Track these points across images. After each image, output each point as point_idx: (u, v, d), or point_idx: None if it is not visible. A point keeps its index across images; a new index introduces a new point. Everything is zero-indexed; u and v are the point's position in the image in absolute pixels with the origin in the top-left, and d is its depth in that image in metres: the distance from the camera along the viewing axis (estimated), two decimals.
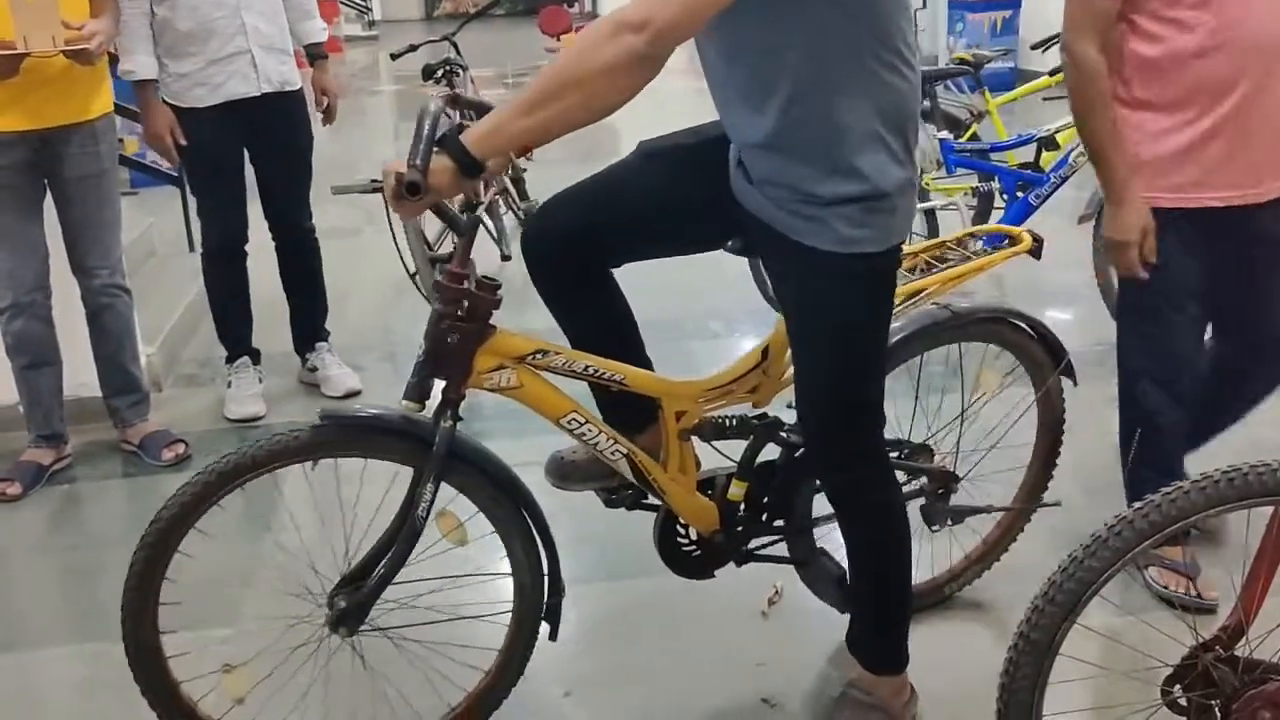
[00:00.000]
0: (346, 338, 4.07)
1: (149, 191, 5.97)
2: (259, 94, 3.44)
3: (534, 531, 2.01)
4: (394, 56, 4.99)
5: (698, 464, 2.14)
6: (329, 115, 3.81)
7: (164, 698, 1.93)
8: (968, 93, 4.94)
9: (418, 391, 1.83)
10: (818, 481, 2.14)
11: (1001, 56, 5.71)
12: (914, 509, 2.25)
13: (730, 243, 1.93)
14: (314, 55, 3.72)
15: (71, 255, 3.22)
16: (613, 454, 2.01)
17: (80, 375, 3.42)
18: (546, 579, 2.04)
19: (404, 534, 1.87)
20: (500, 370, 1.89)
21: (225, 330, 3.78)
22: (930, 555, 2.42)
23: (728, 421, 2.10)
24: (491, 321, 1.85)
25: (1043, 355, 2.37)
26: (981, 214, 4.46)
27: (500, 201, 5.36)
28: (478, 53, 5.52)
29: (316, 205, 3.78)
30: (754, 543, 2.21)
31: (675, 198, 1.92)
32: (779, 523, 2.21)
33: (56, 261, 3.21)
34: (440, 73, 4.88)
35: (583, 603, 2.44)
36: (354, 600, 1.89)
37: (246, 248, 3.67)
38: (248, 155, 3.57)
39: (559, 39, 12.63)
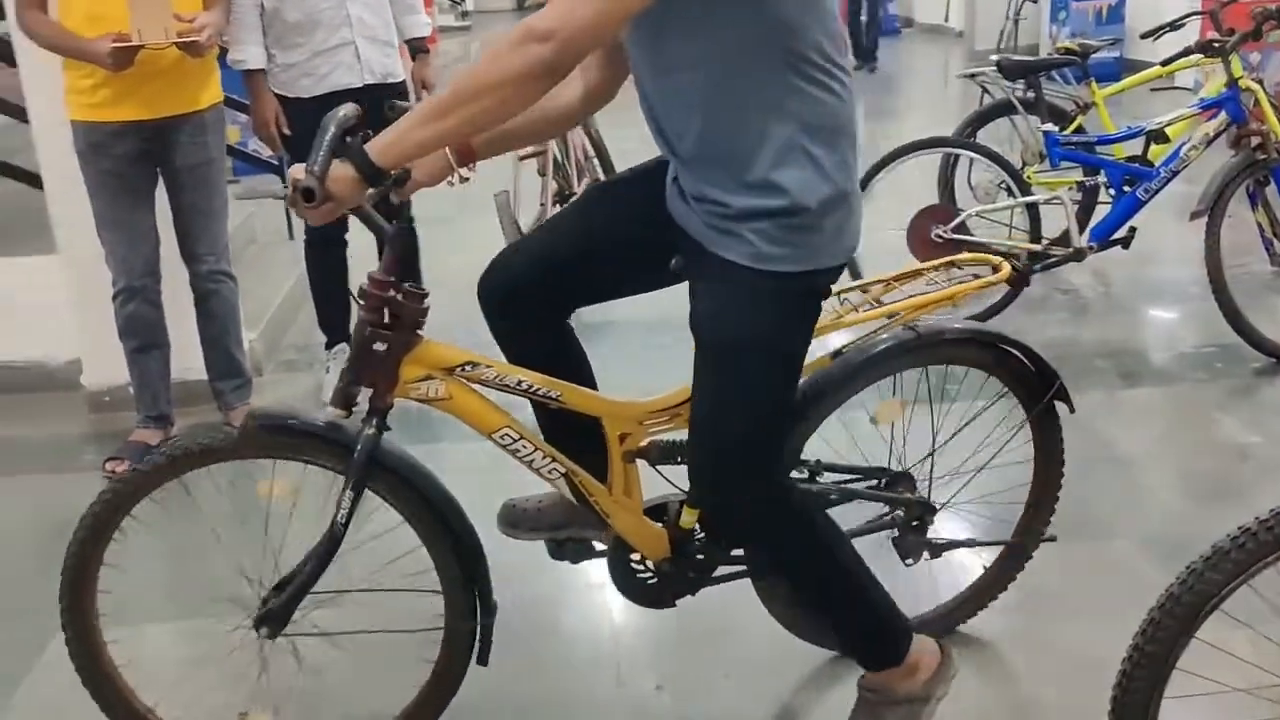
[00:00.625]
0: (439, 325, 4.11)
1: (250, 180, 6.11)
2: (362, 85, 3.49)
3: (461, 546, 1.97)
4: None
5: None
6: None
7: (100, 685, 2.01)
8: (1073, 83, 4.79)
9: (342, 398, 1.84)
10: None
11: (1108, 46, 5.53)
12: (885, 541, 2.21)
13: (674, 261, 1.82)
14: (416, 49, 3.77)
15: (181, 243, 3.31)
16: (550, 473, 1.96)
17: (187, 359, 3.51)
18: (477, 597, 1.99)
19: (323, 541, 1.87)
20: (428, 380, 1.86)
21: (325, 317, 3.85)
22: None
23: (676, 445, 1.99)
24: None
25: (1029, 378, 2.21)
26: (1086, 209, 4.34)
27: None
28: None
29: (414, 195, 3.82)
30: (718, 570, 2.10)
31: (621, 229, 1.91)
32: (737, 551, 2.10)
33: (167, 248, 3.30)
34: None
35: None
36: (277, 604, 1.90)
37: (346, 236, 3.74)
38: None
39: None
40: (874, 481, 2.21)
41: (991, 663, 2.34)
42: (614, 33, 1.56)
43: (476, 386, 1.91)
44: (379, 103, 3.52)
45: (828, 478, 2.17)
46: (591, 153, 5.50)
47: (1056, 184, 4.20)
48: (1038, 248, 4.04)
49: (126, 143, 3.09)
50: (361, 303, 1.81)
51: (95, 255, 3.28)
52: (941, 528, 2.30)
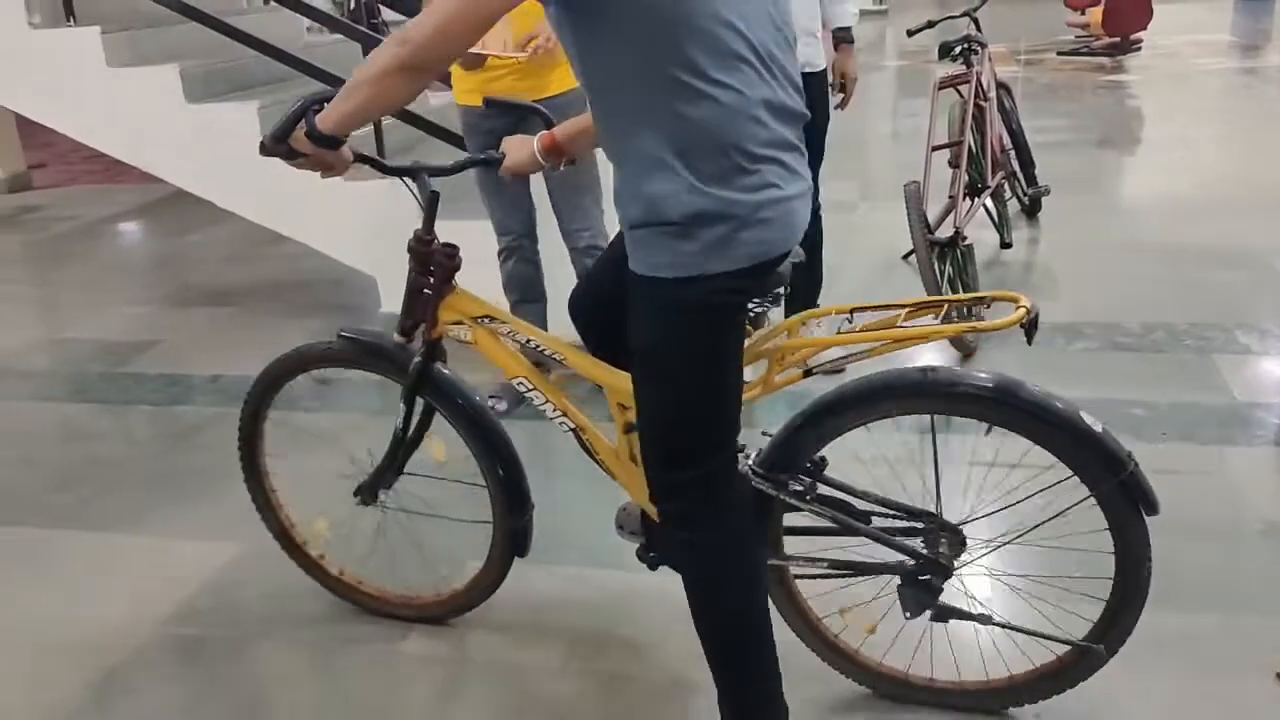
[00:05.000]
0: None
1: None
2: None
3: (497, 450, 2.25)
4: (910, 33, 4.73)
5: None
6: (844, 101, 3.71)
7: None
8: None
9: (402, 329, 2.19)
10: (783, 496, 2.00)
11: None
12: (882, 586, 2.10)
13: None
14: (840, 39, 3.65)
15: (558, 220, 3.44)
16: (560, 425, 2.15)
17: (564, 317, 3.59)
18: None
19: (391, 444, 2.30)
20: (459, 325, 2.16)
21: None
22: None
23: None
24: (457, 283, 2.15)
25: (1080, 454, 1.84)
26: None
27: (1006, 186, 4.98)
28: (994, 28, 5.16)
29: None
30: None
31: None
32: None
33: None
34: (958, 49, 4.57)
35: None
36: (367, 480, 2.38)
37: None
38: None
39: (1084, 12, 11.59)
40: (899, 517, 2.02)
41: None
42: (462, 43, 1.63)
43: (502, 337, 2.16)
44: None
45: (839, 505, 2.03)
46: (1009, 145, 5.11)
47: None
48: None
49: (492, 121, 3.33)
50: (409, 257, 2.12)
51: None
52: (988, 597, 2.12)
